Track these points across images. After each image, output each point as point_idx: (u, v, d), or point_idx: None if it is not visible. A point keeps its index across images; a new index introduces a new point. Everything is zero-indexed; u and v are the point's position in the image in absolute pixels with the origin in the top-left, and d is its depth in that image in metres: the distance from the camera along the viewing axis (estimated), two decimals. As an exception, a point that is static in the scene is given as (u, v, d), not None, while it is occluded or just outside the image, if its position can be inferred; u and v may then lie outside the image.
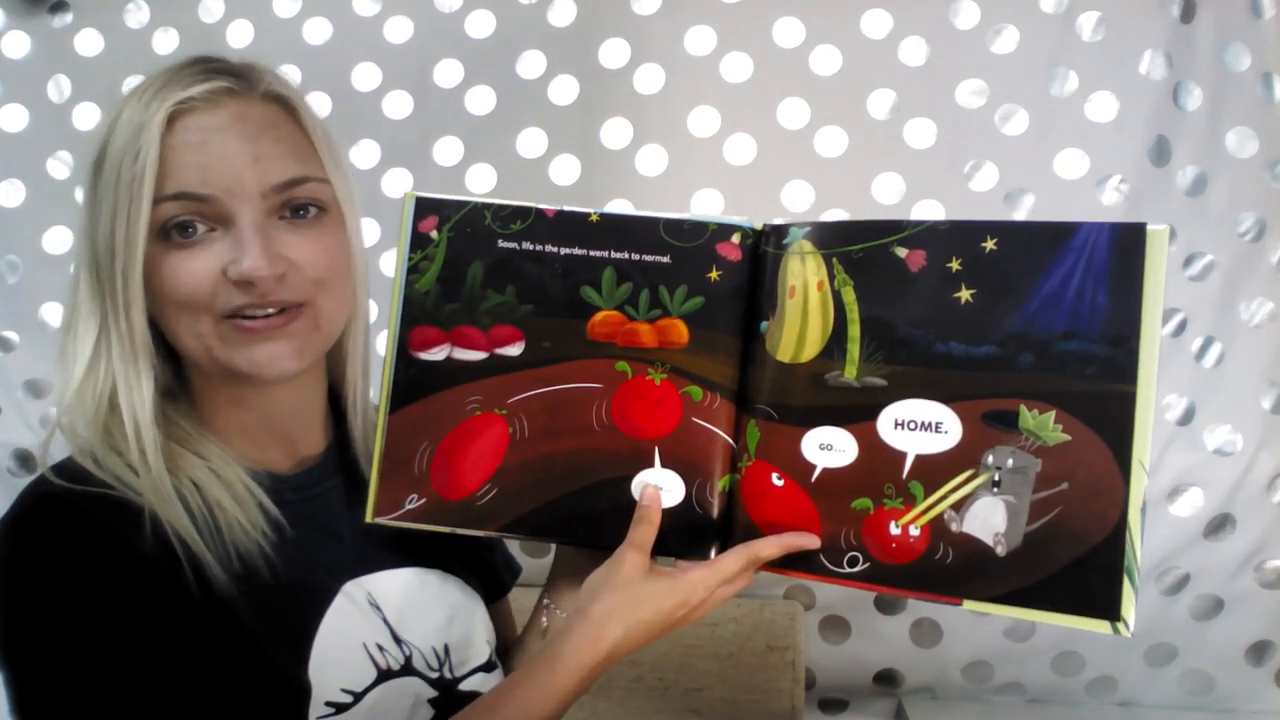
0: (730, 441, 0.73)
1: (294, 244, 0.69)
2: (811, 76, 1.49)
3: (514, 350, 0.74)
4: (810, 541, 0.70)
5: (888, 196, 1.49)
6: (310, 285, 0.70)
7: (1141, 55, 1.46)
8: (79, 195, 0.71)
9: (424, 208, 0.75)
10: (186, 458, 0.69)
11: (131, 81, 0.75)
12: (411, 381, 0.74)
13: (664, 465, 0.73)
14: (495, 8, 1.53)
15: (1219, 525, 1.48)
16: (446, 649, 0.77)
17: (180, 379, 0.74)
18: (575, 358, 0.74)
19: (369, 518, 0.75)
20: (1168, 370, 1.44)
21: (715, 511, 0.72)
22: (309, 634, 0.69)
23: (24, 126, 1.57)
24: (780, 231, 0.72)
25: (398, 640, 0.74)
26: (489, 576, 0.88)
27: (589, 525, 0.73)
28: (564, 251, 0.74)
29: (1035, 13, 1.47)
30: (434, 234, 0.75)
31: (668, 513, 0.72)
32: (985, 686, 1.56)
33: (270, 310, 0.69)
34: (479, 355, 0.74)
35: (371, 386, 0.91)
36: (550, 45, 1.53)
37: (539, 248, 0.74)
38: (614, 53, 1.52)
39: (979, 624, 1.53)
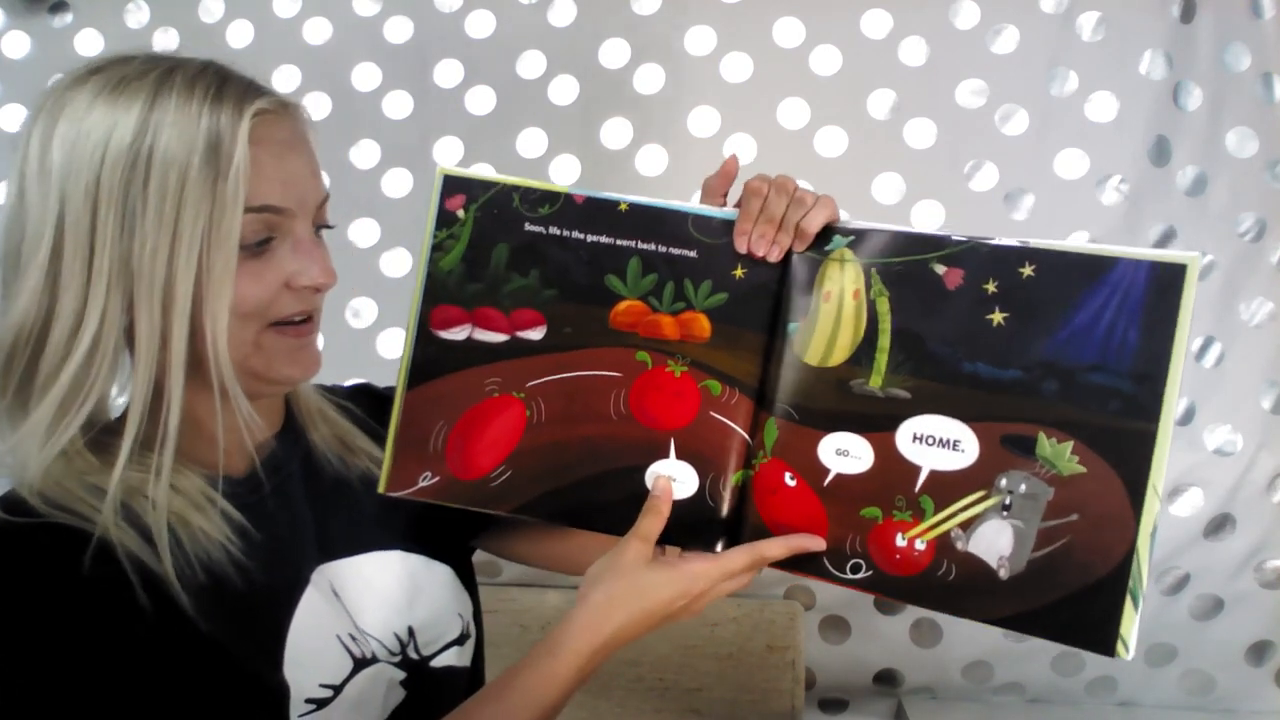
0: (746, 437, 0.73)
1: (324, 253, 0.72)
2: (811, 76, 1.49)
3: (535, 334, 0.74)
4: (816, 544, 0.70)
5: (888, 196, 1.49)
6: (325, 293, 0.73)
7: (1141, 55, 1.46)
8: (55, 198, 0.64)
9: (452, 186, 0.75)
10: (140, 477, 0.66)
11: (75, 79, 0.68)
12: (430, 359, 0.75)
13: (679, 457, 0.73)
14: (495, 8, 1.53)
15: (1219, 525, 1.49)
16: (411, 631, 0.77)
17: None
18: (596, 345, 0.74)
19: (381, 489, 0.75)
20: (1168, 370, 1.45)
21: (726, 506, 0.72)
22: (281, 635, 0.69)
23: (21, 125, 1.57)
24: (823, 237, 0.72)
25: (359, 630, 0.74)
26: (455, 542, 0.87)
27: (601, 512, 0.73)
28: (590, 239, 0.74)
29: (1035, 13, 1.47)
30: (460, 213, 0.75)
31: (679, 504, 0.72)
32: (985, 686, 1.56)
33: (304, 315, 0.71)
34: (500, 337, 0.74)
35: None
36: (550, 45, 1.53)
37: (566, 233, 0.74)
38: (614, 53, 1.52)
39: (979, 624, 1.53)
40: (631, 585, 0.69)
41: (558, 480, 0.74)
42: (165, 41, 1.56)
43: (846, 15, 1.49)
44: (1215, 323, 1.46)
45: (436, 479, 0.74)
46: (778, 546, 0.70)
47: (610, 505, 0.73)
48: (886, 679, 1.60)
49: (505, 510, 0.74)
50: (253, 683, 0.67)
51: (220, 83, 0.66)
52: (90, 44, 1.58)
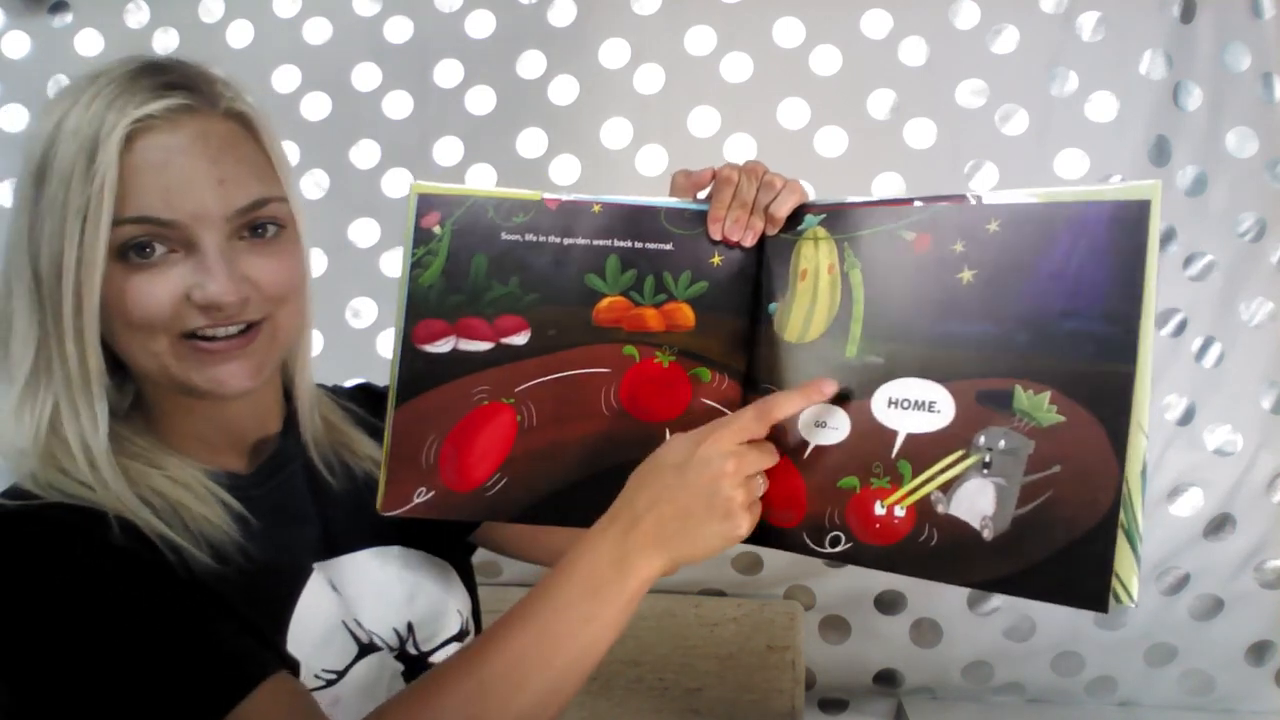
0: None
1: (256, 264, 0.69)
2: (811, 76, 1.49)
3: (520, 339, 0.74)
4: (828, 388, 0.67)
5: (885, 196, 1.49)
6: (270, 302, 0.70)
7: (1141, 55, 1.46)
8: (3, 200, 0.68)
9: (426, 204, 0.75)
10: (141, 470, 0.67)
11: (63, 79, 0.71)
12: (417, 374, 0.74)
13: None
14: (495, 8, 1.54)
15: (1219, 525, 1.48)
16: (410, 626, 0.77)
17: (124, 391, 0.72)
18: (582, 344, 0.74)
19: (378, 508, 0.75)
20: (1168, 370, 1.45)
21: None
22: (286, 616, 0.69)
23: (24, 126, 1.57)
24: (795, 218, 0.73)
25: (359, 625, 0.75)
26: (455, 538, 0.87)
27: (601, 510, 0.72)
28: (567, 242, 0.74)
29: (1035, 13, 1.47)
30: (437, 229, 0.75)
31: None
32: (985, 686, 1.56)
33: (231, 330, 0.68)
34: (485, 346, 0.74)
35: (359, 376, 0.90)
36: (550, 45, 1.53)
37: (542, 239, 0.75)
38: (614, 53, 1.52)
39: (979, 624, 1.53)
40: (640, 473, 0.66)
41: (554, 483, 0.74)
42: (165, 41, 1.57)
43: (846, 15, 1.49)
44: (1215, 323, 1.46)
45: (431, 494, 0.74)
46: (790, 399, 0.67)
47: (609, 503, 0.72)
48: (886, 679, 1.60)
49: (505, 518, 0.74)
50: (268, 649, 0.68)
51: (124, 87, 0.65)
52: (90, 44, 1.58)
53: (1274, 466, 1.47)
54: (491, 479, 0.74)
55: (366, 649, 0.73)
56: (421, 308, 0.74)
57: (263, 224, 0.69)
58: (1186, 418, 1.47)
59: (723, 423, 0.66)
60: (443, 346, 0.75)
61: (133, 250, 0.65)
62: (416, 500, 0.74)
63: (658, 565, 0.64)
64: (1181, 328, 1.46)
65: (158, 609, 0.62)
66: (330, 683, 0.70)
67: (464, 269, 0.75)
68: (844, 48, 1.48)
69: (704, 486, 0.64)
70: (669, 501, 0.64)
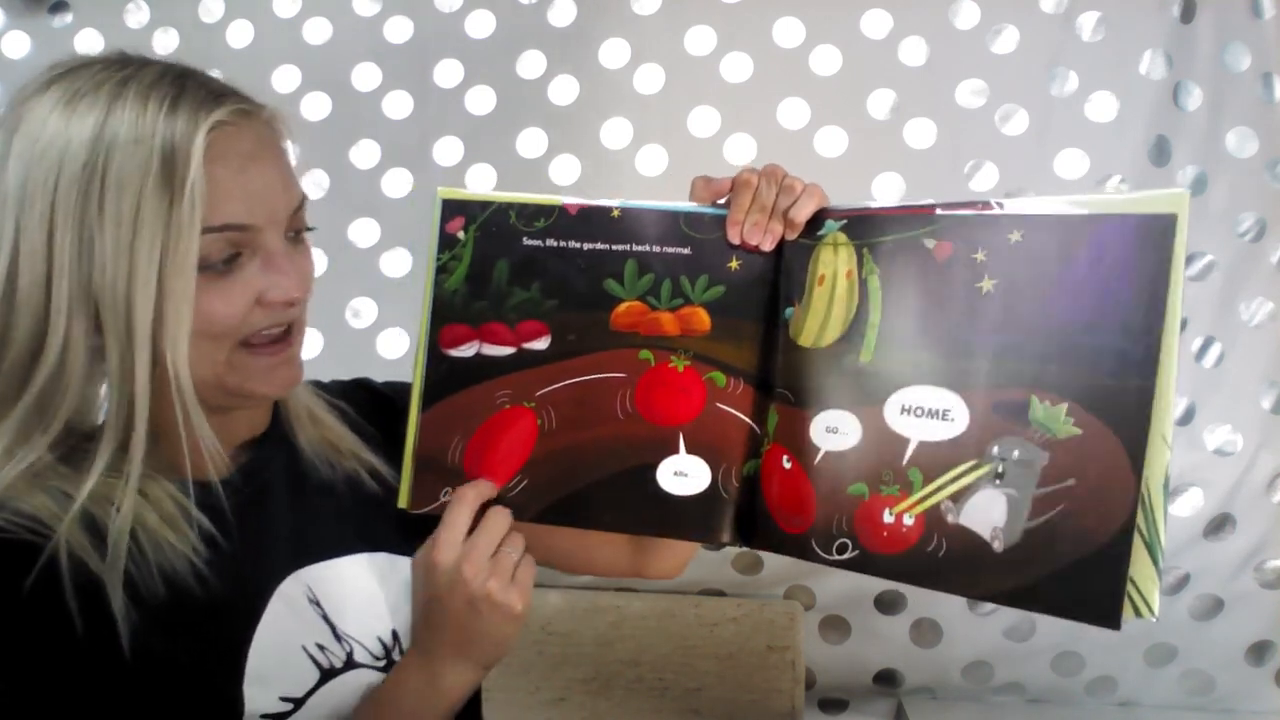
0: (754, 426, 0.73)
1: (300, 263, 0.70)
2: (811, 76, 1.49)
3: (540, 344, 0.75)
4: (488, 488, 0.73)
5: (888, 196, 1.49)
6: (304, 301, 0.71)
7: (1141, 55, 1.46)
8: (11, 222, 0.62)
9: (451, 209, 0.77)
10: (109, 484, 0.65)
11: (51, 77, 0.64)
12: (442, 378, 0.76)
13: (689, 451, 0.74)
14: (495, 8, 1.54)
15: (1219, 525, 1.49)
16: (395, 635, 0.76)
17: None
18: (600, 349, 0.75)
19: (403, 505, 0.76)
20: (1168, 370, 1.45)
21: (737, 497, 0.73)
22: (243, 648, 0.67)
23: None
24: (815, 223, 0.73)
25: (338, 637, 0.73)
26: None
27: (616, 513, 0.74)
28: (587, 247, 0.75)
29: (1035, 13, 1.47)
30: (461, 234, 0.76)
31: (693, 499, 0.73)
32: (985, 686, 1.57)
33: (277, 332, 0.69)
34: (507, 350, 0.76)
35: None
36: (550, 45, 1.53)
37: (562, 244, 0.75)
38: (614, 53, 1.52)
39: (979, 624, 1.53)
40: (415, 606, 0.73)
41: (573, 485, 0.75)
42: (165, 41, 1.57)
43: (846, 15, 1.49)
44: (1215, 323, 1.47)
45: None
46: (476, 484, 0.73)
47: (624, 505, 0.74)
48: (886, 679, 1.60)
49: (526, 518, 0.75)
50: (199, 705, 0.65)
51: (176, 93, 0.63)
52: (90, 44, 1.58)
53: (1274, 466, 1.47)
54: (514, 480, 0.75)
55: (329, 674, 0.71)
56: (447, 312, 0.76)
57: (302, 224, 0.71)
58: (1186, 418, 1.47)
59: (439, 532, 0.71)
60: (467, 351, 0.76)
61: (219, 260, 0.64)
62: (443, 499, 0.75)
63: (470, 674, 0.72)
64: (1182, 328, 1.45)
65: (44, 693, 0.61)
66: (282, 716, 0.68)
67: (487, 274, 0.76)
68: (844, 48, 1.49)
69: (458, 598, 0.69)
70: (444, 622, 0.70)
